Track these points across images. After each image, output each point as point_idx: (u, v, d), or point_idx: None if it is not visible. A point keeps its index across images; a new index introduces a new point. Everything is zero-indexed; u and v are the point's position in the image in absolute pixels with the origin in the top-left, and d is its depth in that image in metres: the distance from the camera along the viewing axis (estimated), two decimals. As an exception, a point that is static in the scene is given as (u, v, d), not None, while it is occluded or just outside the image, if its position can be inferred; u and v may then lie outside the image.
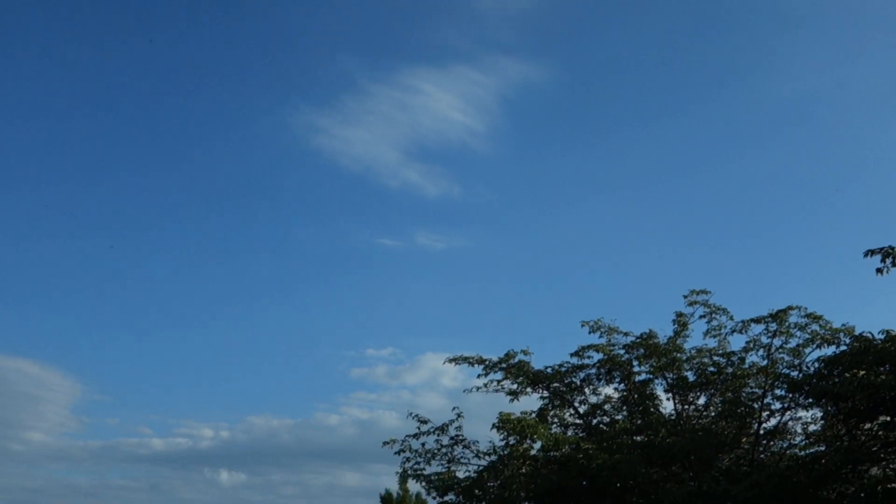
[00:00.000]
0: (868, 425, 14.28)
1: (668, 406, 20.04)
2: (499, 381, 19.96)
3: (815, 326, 17.82)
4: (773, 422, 18.91)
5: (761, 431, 18.58)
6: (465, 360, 19.77)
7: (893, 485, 12.63)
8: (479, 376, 19.94)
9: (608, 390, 20.72)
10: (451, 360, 19.99)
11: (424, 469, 20.46)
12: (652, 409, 19.40)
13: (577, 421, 20.55)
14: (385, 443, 19.87)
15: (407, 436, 20.14)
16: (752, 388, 18.54)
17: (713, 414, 19.17)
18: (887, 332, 13.95)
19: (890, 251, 12.85)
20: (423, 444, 20.02)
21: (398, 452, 19.97)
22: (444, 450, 19.94)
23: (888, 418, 13.35)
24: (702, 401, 19.73)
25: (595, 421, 20.31)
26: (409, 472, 20.47)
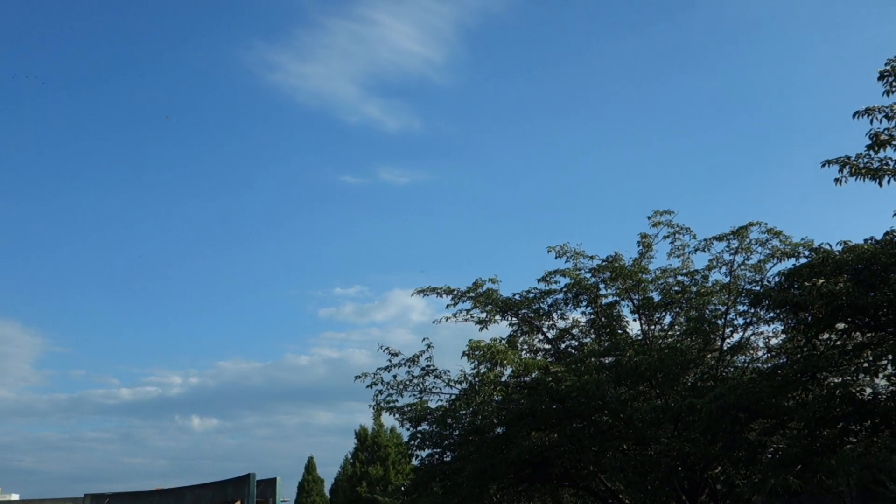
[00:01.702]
0: (826, 335, 14.62)
1: (634, 327, 20.40)
2: (468, 311, 20.11)
3: (775, 242, 18.10)
4: (736, 337, 19.36)
5: (725, 347, 19.01)
6: (434, 290, 19.82)
7: (851, 389, 13.02)
8: (447, 306, 20.06)
9: (576, 314, 21.00)
10: (419, 292, 20.07)
11: (397, 401, 20.75)
12: (619, 331, 19.72)
13: (546, 346, 20.85)
14: (357, 377, 20.06)
15: (378, 369, 20.36)
16: (715, 305, 18.87)
17: (678, 332, 19.53)
18: (845, 243, 14.19)
19: (847, 160, 12.94)
20: (394, 377, 20.25)
21: (370, 385, 20.17)
22: (415, 381, 20.19)
23: (845, 325, 13.66)
24: (667, 320, 20.09)
25: (564, 345, 20.62)
26: (381, 404, 20.73)
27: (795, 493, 18.07)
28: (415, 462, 31.21)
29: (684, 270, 19.58)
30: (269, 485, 48.81)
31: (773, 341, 19.09)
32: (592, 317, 20.18)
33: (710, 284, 19.06)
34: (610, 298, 19.81)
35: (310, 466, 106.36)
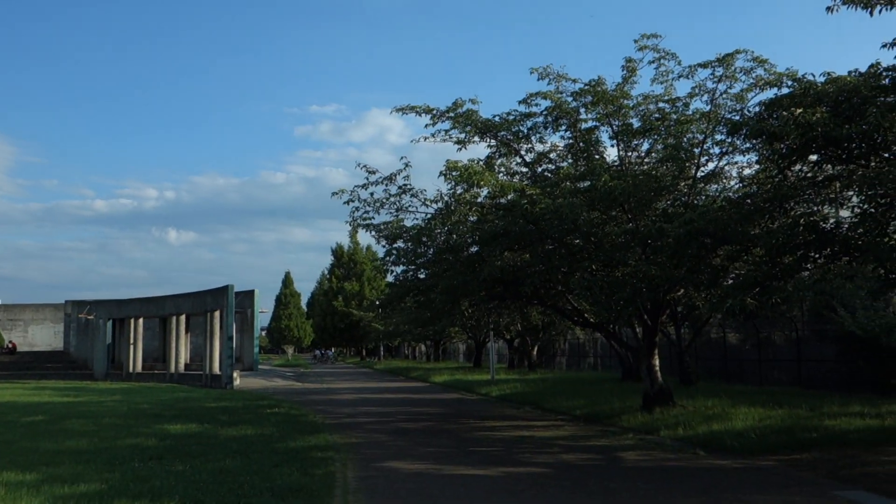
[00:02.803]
0: (799, 166, 14.83)
1: (612, 153, 20.47)
2: (446, 132, 19.92)
3: (760, 71, 17.88)
4: (710, 166, 19.58)
5: (699, 175, 19.26)
6: (413, 109, 19.50)
7: (815, 218, 13.42)
8: (426, 126, 19.85)
9: (554, 138, 20.96)
10: (398, 110, 19.72)
11: (373, 219, 21.04)
12: (596, 156, 19.79)
13: (524, 169, 20.94)
14: (334, 193, 20.16)
15: (356, 186, 20.45)
16: (693, 133, 18.88)
17: (655, 159, 19.66)
18: (828, 73, 14.06)
19: (841, -13, 12.54)
20: (371, 195, 20.39)
21: (347, 202, 20.35)
22: (392, 199, 20.37)
23: (817, 157, 13.84)
24: (645, 147, 20.14)
25: (541, 169, 20.72)
26: (358, 221, 21.02)
27: (751, 315, 19.10)
28: (389, 278, 32.23)
29: (666, 97, 19.38)
30: (247, 296, 50.46)
31: (747, 171, 19.37)
32: (571, 141, 20.15)
33: (690, 112, 18.97)
34: (590, 123, 19.70)
35: (287, 281, 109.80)
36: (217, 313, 40.36)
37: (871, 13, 12.46)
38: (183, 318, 44.55)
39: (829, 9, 12.73)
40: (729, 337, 30.33)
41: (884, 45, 13.11)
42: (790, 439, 13.39)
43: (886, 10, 12.46)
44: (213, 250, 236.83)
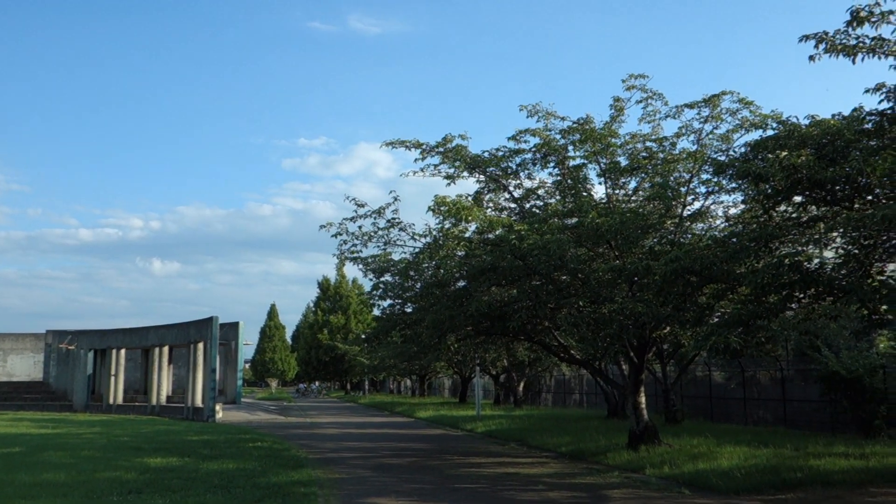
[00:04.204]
0: (784, 207, 15.03)
1: (599, 190, 20.66)
2: (435, 166, 20.09)
3: (745, 112, 18.19)
4: (697, 205, 19.78)
5: (685, 214, 19.44)
6: (402, 143, 19.66)
7: (799, 259, 13.55)
8: (415, 160, 20.00)
9: (543, 175, 21.15)
10: (387, 144, 19.87)
11: (361, 252, 21.06)
12: (584, 193, 19.96)
13: (512, 205, 21.09)
14: (322, 226, 20.21)
15: (344, 219, 20.50)
16: (680, 172, 19.12)
17: (642, 198, 19.85)
18: (812, 116, 14.33)
19: (824, 37, 12.81)
20: (359, 227, 20.45)
21: (335, 235, 20.38)
22: (380, 232, 20.44)
23: (802, 199, 14.04)
24: (632, 185, 20.36)
25: (529, 205, 20.87)
26: (345, 254, 21.04)
27: (736, 354, 19.18)
28: (376, 312, 32.13)
29: (653, 136, 19.67)
30: (231, 328, 50.13)
31: (732, 211, 19.58)
32: (559, 178, 20.34)
33: (677, 152, 19.23)
34: (577, 161, 19.92)
35: (272, 313, 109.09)
36: (200, 345, 40.00)
37: (853, 61, 12.75)
38: (166, 349, 44.11)
39: (811, 57, 12.99)
40: (714, 375, 30.34)
41: (867, 91, 13.39)
42: (775, 479, 13.35)
43: (868, 57, 12.76)
44: (198, 281, 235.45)
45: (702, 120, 18.64)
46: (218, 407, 38.60)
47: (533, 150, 19.70)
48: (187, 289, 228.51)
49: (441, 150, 19.67)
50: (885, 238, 12.64)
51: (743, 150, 15.41)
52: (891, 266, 14.35)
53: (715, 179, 18.19)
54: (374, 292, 22.59)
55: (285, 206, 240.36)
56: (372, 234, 20.53)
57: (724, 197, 19.54)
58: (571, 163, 19.92)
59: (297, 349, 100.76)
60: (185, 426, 31.43)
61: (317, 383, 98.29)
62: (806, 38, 12.98)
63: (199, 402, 39.32)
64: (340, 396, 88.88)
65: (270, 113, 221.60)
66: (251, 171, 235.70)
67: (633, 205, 19.65)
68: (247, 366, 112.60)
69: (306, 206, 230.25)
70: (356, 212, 20.32)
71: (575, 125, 19.21)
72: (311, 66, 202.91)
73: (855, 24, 12.17)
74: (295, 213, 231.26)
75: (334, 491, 13.36)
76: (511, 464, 18.11)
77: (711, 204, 19.73)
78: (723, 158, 16.92)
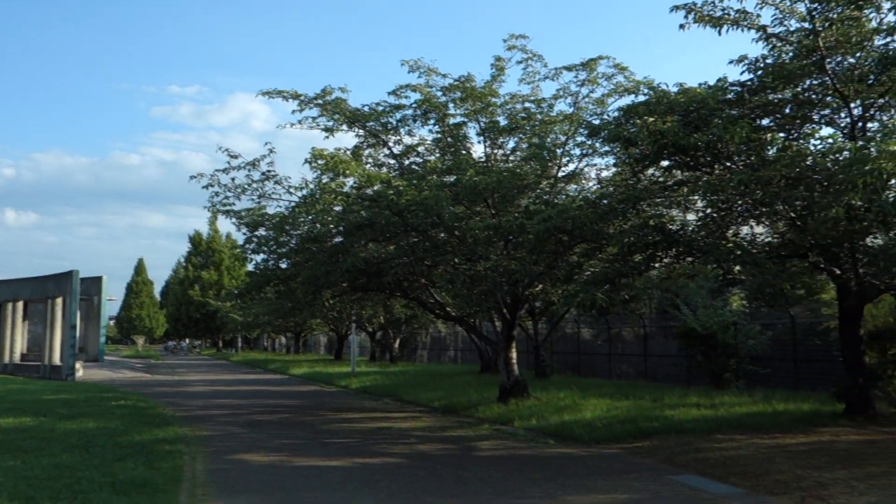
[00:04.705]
0: (652, 170, 15.68)
1: (478, 149, 20.84)
2: (314, 119, 19.60)
3: (620, 78, 18.74)
4: (571, 167, 20.31)
5: (560, 175, 19.93)
6: (280, 94, 19.04)
7: (663, 220, 14.22)
8: (293, 112, 19.45)
9: (423, 132, 21.08)
10: (264, 94, 19.18)
11: (234, 205, 20.40)
12: (463, 151, 20.06)
13: (391, 161, 20.93)
14: (192, 177, 19.42)
15: (216, 170, 19.74)
16: (556, 134, 19.52)
17: (519, 158, 20.17)
18: (681, 84, 14.94)
19: (693, 7, 13.36)
20: (233, 180, 19.78)
21: (206, 187, 19.65)
22: (254, 185, 19.86)
23: (668, 163, 14.68)
24: (510, 145, 20.64)
25: (408, 161, 20.76)
26: (217, 207, 20.32)
27: (603, 311, 20.05)
28: (249, 267, 31.34)
29: (532, 97, 19.93)
30: (93, 283, 47.60)
31: (605, 174, 20.26)
32: (439, 135, 20.32)
33: (554, 114, 19.60)
34: (458, 119, 19.95)
35: (140, 268, 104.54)
36: (59, 300, 37.73)
37: (719, 32, 13.37)
38: (20, 304, 41.36)
39: (681, 26, 13.56)
40: (583, 332, 31.65)
41: (731, 62, 14.10)
42: (633, 428, 14.09)
43: (733, 29, 13.41)
44: (58, 233, 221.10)
45: (579, 83, 19.06)
46: (78, 365, 36.70)
47: (414, 106, 19.55)
48: (45, 241, 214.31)
49: (320, 101, 19.18)
50: (740, 202, 13.41)
51: (616, 114, 15.89)
52: (745, 229, 15.31)
53: (589, 142, 18.72)
54: (248, 246, 21.96)
55: (154, 156, 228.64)
56: (246, 186, 19.88)
57: (597, 159, 20.18)
58: (452, 120, 19.92)
59: (167, 306, 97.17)
60: (42, 385, 29.72)
61: (187, 341, 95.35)
62: (677, 8, 13.51)
63: (56, 360, 37.23)
64: (212, 354, 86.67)
65: (138, 57, 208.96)
66: (116, 119, 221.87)
67: (510, 164, 19.94)
68: (111, 323, 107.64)
69: (177, 157, 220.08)
70: (229, 163, 19.61)
71: (456, 83, 19.18)
72: (183, 9, 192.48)
73: (723, -5, 12.76)
74: (165, 163, 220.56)
75: (201, 448, 13.02)
76: (384, 418, 18.25)
77: (585, 166, 20.34)
78: (597, 122, 17.39)
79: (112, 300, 56.30)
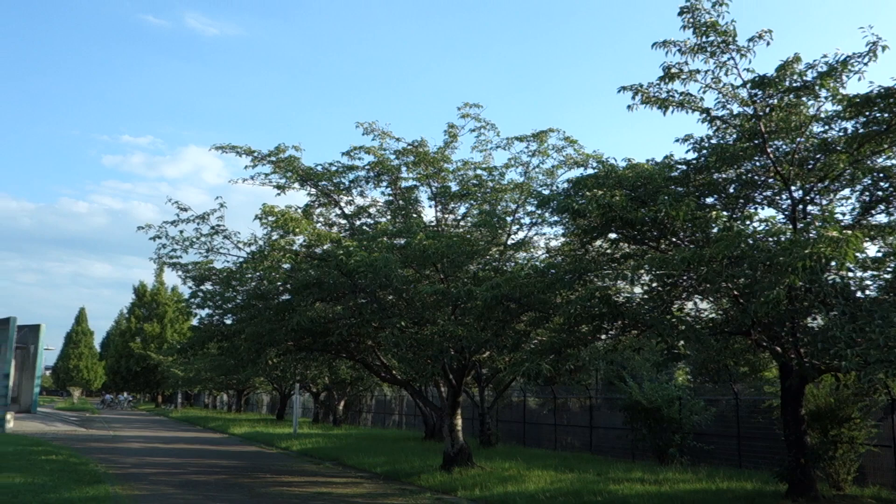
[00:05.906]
0: (599, 242, 15.89)
1: (429, 213, 20.94)
2: (266, 175, 19.53)
3: (570, 150, 19.14)
4: (521, 235, 20.51)
5: (509, 242, 20.08)
6: (234, 148, 18.97)
7: (609, 292, 14.32)
8: (246, 167, 19.36)
9: (375, 193, 21.16)
10: (217, 148, 19.09)
11: (181, 257, 20.02)
12: (414, 215, 20.12)
13: (342, 221, 20.88)
14: (140, 227, 19.07)
15: (164, 222, 19.42)
16: (507, 202, 19.75)
17: (469, 224, 20.30)
18: (629, 160, 15.31)
19: (640, 89, 13.77)
20: (181, 232, 19.43)
21: (154, 238, 19.26)
22: (203, 239, 19.53)
23: (616, 236, 14.90)
24: (461, 211, 20.78)
25: (359, 222, 20.75)
26: (164, 258, 19.93)
27: (549, 380, 19.91)
28: (194, 322, 30.66)
29: (484, 165, 20.20)
30: (31, 331, 46.05)
31: (553, 243, 20.49)
32: (391, 198, 20.40)
33: (505, 182, 19.86)
34: (410, 182, 20.09)
35: (80, 317, 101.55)
36: (-8, 348, 36.29)
37: (664, 113, 13.78)
38: (-50, 350, 39.65)
39: (629, 107, 13.92)
40: (529, 401, 31.46)
41: (677, 140, 14.51)
42: (577, 502, 13.91)
43: (678, 110, 13.83)
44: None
45: (530, 153, 19.41)
46: (9, 416, 35.10)
47: (367, 167, 19.66)
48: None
49: (273, 158, 19.15)
50: (685, 278, 13.62)
51: (565, 185, 16.14)
52: (689, 304, 15.52)
53: (538, 212, 18.94)
54: (193, 300, 21.50)
55: (103, 204, 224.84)
56: (194, 239, 19.57)
57: (546, 229, 20.41)
58: (404, 184, 20.05)
59: (107, 357, 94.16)
60: (-35, 437, 28.29)
61: (125, 394, 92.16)
62: (624, 89, 13.90)
63: (-16, 410, 35.57)
64: (150, 409, 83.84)
65: (91, 105, 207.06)
66: (66, 166, 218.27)
67: (460, 230, 20.05)
68: (47, 373, 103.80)
69: (126, 207, 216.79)
70: (178, 215, 19.31)
71: (409, 147, 19.37)
72: (139, 60, 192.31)
73: (667, 80, 13.15)
74: (113, 212, 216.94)
75: (128, 511, 12.44)
76: (324, 483, 17.72)
77: (534, 235, 20.55)
78: (546, 192, 17.64)
79: (49, 350, 54.44)
